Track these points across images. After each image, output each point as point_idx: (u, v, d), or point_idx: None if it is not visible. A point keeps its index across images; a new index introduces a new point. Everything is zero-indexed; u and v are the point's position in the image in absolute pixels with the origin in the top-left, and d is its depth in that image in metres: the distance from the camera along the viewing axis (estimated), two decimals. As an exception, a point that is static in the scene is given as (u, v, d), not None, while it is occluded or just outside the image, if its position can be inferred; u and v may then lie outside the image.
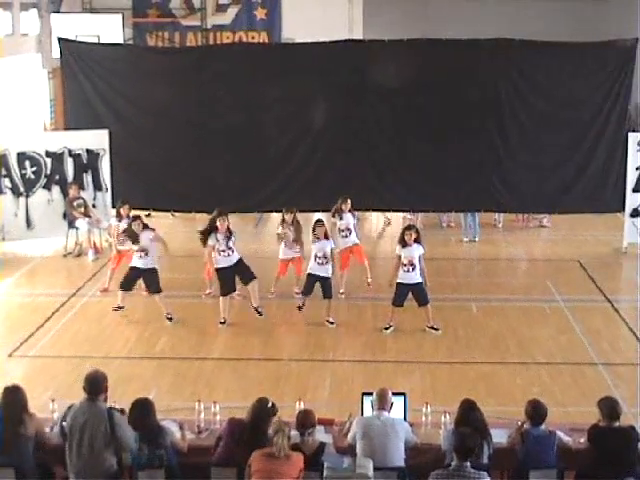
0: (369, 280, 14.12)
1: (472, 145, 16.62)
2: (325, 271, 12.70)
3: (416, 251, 12.32)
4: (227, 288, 12.68)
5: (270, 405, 7.55)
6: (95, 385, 7.41)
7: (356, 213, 14.50)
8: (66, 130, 17.62)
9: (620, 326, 12.90)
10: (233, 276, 12.68)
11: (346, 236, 13.99)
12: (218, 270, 12.61)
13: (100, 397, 7.40)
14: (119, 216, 14.20)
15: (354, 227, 14.17)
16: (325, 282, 12.72)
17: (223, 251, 12.43)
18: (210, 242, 12.43)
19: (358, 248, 14.20)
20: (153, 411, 7.48)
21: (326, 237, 12.81)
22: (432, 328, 12.53)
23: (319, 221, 13.29)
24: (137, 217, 13.18)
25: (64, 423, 7.44)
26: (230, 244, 12.49)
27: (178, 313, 13.05)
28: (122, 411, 7.60)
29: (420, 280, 12.41)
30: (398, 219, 18.53)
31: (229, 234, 12.51)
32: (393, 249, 12.85)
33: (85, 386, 7.41)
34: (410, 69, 16.79)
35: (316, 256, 12.70)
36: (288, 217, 13.54)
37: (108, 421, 7.24)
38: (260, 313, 12.79)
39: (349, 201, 14.05)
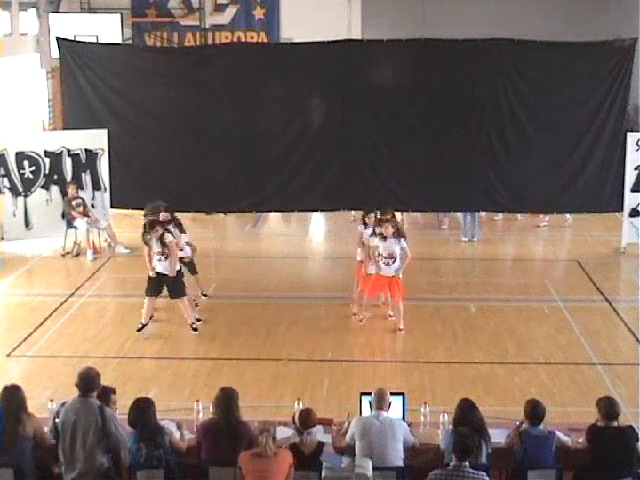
0: (401, 327, 12.44)
1: (471, 145, 16.61)
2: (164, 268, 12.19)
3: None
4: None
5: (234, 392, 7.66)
6: (88, 382, 7.39)
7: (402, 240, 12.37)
8: (65, 130, 17.63)
9: (619, 326, 12.89)
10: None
11: (387, 264, 12.26)
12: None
13: (93, 394, 7.39)
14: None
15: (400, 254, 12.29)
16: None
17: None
18: None
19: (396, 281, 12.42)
20: (153, 410, 7.50)
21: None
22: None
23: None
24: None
25: (57, 420, 7.45)
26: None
27: (177, 313, 13.03)
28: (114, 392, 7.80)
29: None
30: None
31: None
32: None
33: (78, 383, 7.41)
34: (408, 69, 16.82)
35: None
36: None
37: (100, 417, 7.23)
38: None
39: (388, 226, 12.23)
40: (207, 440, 7.55)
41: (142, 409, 7.45)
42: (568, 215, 18.19)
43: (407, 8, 26.41)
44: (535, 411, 7.65)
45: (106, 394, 7.75)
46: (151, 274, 12.28)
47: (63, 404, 7.52)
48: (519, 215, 18.48)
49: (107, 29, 23.27)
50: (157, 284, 12.33)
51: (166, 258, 12.16)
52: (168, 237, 12.22)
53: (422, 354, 11.75)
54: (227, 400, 7.58)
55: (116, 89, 16.97)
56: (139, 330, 12.30)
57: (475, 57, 16.35)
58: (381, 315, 12.95)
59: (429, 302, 13.68)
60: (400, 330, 12.38)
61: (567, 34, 20.28)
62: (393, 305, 12.53)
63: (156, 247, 12.16)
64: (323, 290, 14.20)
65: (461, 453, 6.87)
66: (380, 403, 7.74)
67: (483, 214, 18.14)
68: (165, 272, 12.21)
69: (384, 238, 12.18)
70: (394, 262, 12.19)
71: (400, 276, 12.31)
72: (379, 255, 12.22)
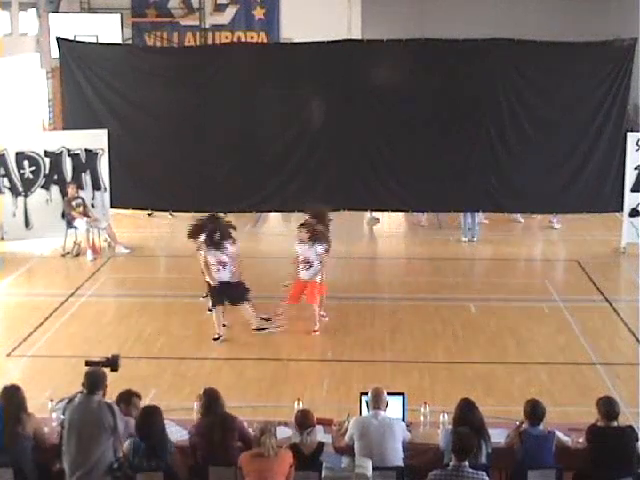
0: (315, 329, 12.42)
1: (471, 145, 16.61)
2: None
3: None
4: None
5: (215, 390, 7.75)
6: (95, 382, 7.43)
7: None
8: (65, 130, 17.64)
9: (619, 326, 12.89)
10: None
11: (305, 269, 12.30)
12: None
13: (98, 393, 7.41)
14: None
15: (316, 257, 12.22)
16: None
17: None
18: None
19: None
20: (161, 420, 7.43)
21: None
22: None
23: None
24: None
25: (62, 416, 7.48)
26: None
27: (177, 313, 13.06)
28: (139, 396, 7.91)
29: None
30: (391, 217, 18.68)
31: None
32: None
33: (85, 382, 7.43)
34: (408, 69, 16.81)
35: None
36: None
37: (110, 415, 7.27)
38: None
39: (302, 230, 12.34)
40: (200, 440, 7.55)
41: (149, 418, 7.35)
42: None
43: (407, 8, 26.39)
44: (535, 411, 7.65)
45: (129, 397, 7.84)
46: (213, 283, 12.11)
47: (69, 401, 7.54)
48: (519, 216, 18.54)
49: (107, 29, 23.23)
50: (221, 292, 12.13)
51: (224, 267, 12.02)
52: (226, 246, 11.98)
53: (422, 354, 11.75)
54: (210, 399, 7.67)
55: (116, 89, 16.98)
56: (215, 339, 12.15)
57: (475, 57, 16.36)
58: (380, 315, 12.93)
59: (429, 302, 13.67)
60: (315, 332, 12.33)
61: (567, 34, 20.25)
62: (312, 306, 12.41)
63: (213, 258, 11.98)
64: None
65: (461, 453, 6.88)
66: (377, 402, 7.73)
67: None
68: (228, 280, 12.07)
69: (301, 243, 12.22)
70: (310, 267, 12.18)
71: (317, 280, 12.29)
72: (300, 261, 12.24)
